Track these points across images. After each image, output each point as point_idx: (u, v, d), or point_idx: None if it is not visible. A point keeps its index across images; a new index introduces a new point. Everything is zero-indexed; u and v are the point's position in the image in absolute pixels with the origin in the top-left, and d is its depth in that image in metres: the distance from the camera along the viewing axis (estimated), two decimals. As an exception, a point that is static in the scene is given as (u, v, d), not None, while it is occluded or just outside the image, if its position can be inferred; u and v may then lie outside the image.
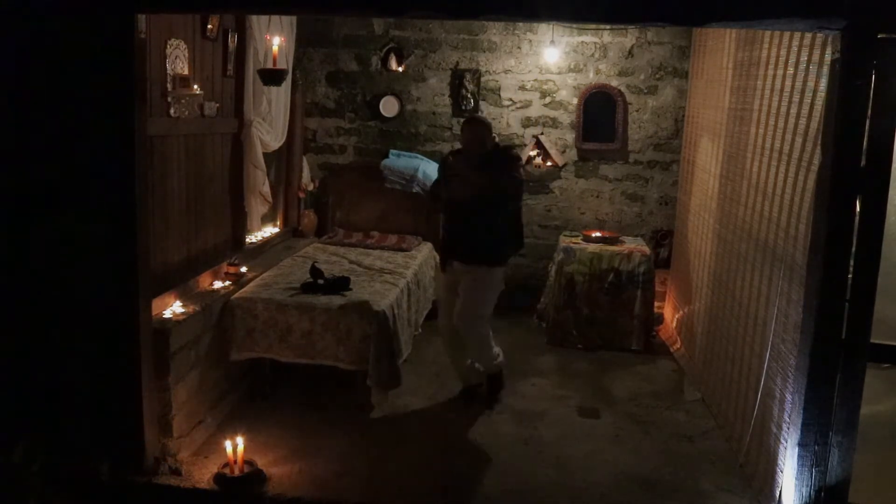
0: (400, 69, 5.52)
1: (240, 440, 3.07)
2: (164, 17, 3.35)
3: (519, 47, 5.45)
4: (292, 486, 3.06)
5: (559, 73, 5.46)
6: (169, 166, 3.54)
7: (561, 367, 4.63)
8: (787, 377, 2.88)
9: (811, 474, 2.72)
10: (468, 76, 5.48)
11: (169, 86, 3.45)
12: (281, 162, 5.18)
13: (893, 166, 2.59)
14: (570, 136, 5.54)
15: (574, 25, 5.34)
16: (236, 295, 3.77)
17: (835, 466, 2.71)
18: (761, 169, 3.42)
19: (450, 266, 3.85)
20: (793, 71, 3.05)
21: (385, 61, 5.53)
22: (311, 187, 5.47)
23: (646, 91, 5.45)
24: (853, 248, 2.59)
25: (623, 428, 3.77)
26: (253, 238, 4.68)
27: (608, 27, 5.35)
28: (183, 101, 3.59)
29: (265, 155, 4.49)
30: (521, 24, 5.34)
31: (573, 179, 5.61)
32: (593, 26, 5.36)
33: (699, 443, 3.63)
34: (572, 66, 5.44)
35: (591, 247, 5.01)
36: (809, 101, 2.86)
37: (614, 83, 5.43)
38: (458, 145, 5.57)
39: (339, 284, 3.93)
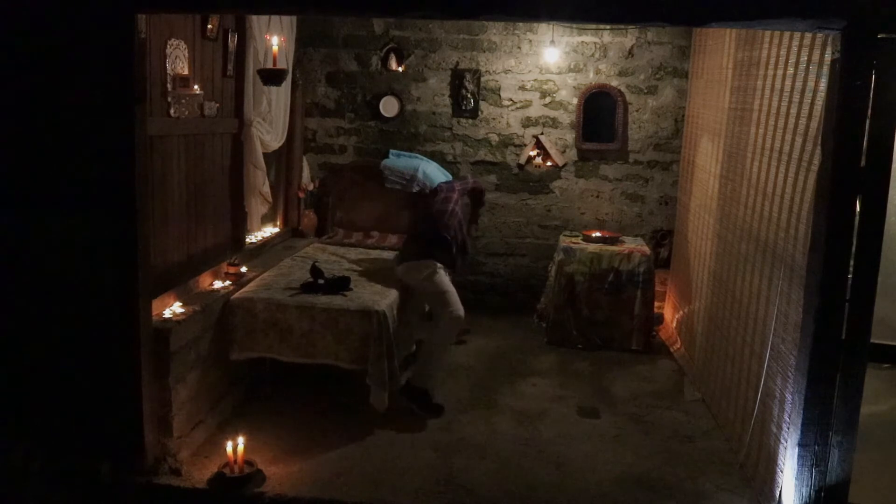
0: (400, 69, 5.52)
1: (240, 440, 3.07)
2: (164, 17, 3.35)
3: (519, 47, 5.45)
4: (292, 486, 3.06)
5: (559, 73, 5.46)
6: (169, 166, 3.54)
7: (561, 367, 4.63)
8: (787, 377, 2.88)
9: (811, 474, 2.72)
10: (468, 76, 5.48)
11: (169, 86, 3.45)
12: (281, 162, 5.17)
13: (893, 166, 2.59)
14: (570, 136, 5.54)
15: (574, 25, 5.34)
16: (236, 295, 3.76)
17: (835, 466, 2.71)
18: (761, 169, 3.42)
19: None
20: (793, 71, 3.05)
21: (385, 61, 5.53)
22: (311, 187, 5.47)
23: (646, 91, 5.45)
24: (853, 248, 2.59)
25: (623, 428, 3.77)
26: (253, 238, 4.68)
27: (608, 27, 5.35)
28: (183, 101, 3.59)
29: (265, 155, 4.49)
30: (521, 24, 5.34)
31: (573, 179, 5.61)
32: (593, 26, 5.35)
33: (699, 443, 3.63)
34: (572, 66, 5.44)
35: (591, 247, 5.01)
36: (809, 101, 2.85)
37: (614, 83, 5.43)
38: (457, 145, 5.60)
39: (340, 284, 3.93)
